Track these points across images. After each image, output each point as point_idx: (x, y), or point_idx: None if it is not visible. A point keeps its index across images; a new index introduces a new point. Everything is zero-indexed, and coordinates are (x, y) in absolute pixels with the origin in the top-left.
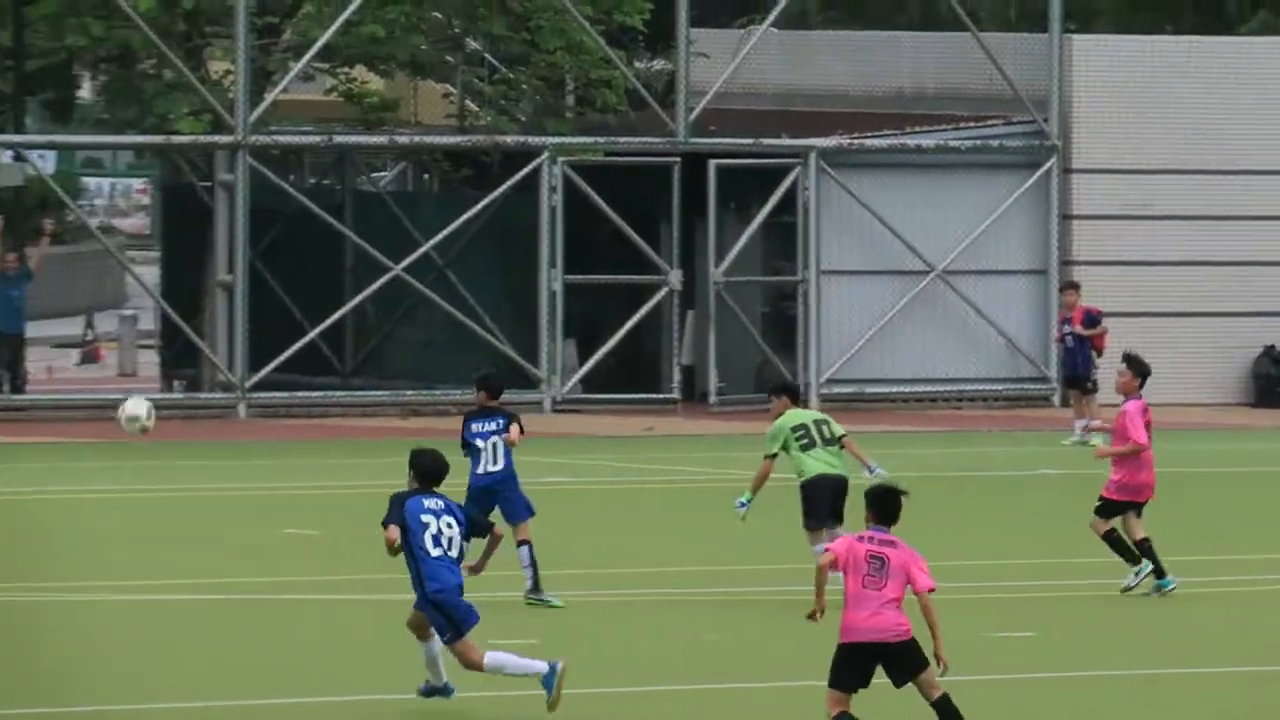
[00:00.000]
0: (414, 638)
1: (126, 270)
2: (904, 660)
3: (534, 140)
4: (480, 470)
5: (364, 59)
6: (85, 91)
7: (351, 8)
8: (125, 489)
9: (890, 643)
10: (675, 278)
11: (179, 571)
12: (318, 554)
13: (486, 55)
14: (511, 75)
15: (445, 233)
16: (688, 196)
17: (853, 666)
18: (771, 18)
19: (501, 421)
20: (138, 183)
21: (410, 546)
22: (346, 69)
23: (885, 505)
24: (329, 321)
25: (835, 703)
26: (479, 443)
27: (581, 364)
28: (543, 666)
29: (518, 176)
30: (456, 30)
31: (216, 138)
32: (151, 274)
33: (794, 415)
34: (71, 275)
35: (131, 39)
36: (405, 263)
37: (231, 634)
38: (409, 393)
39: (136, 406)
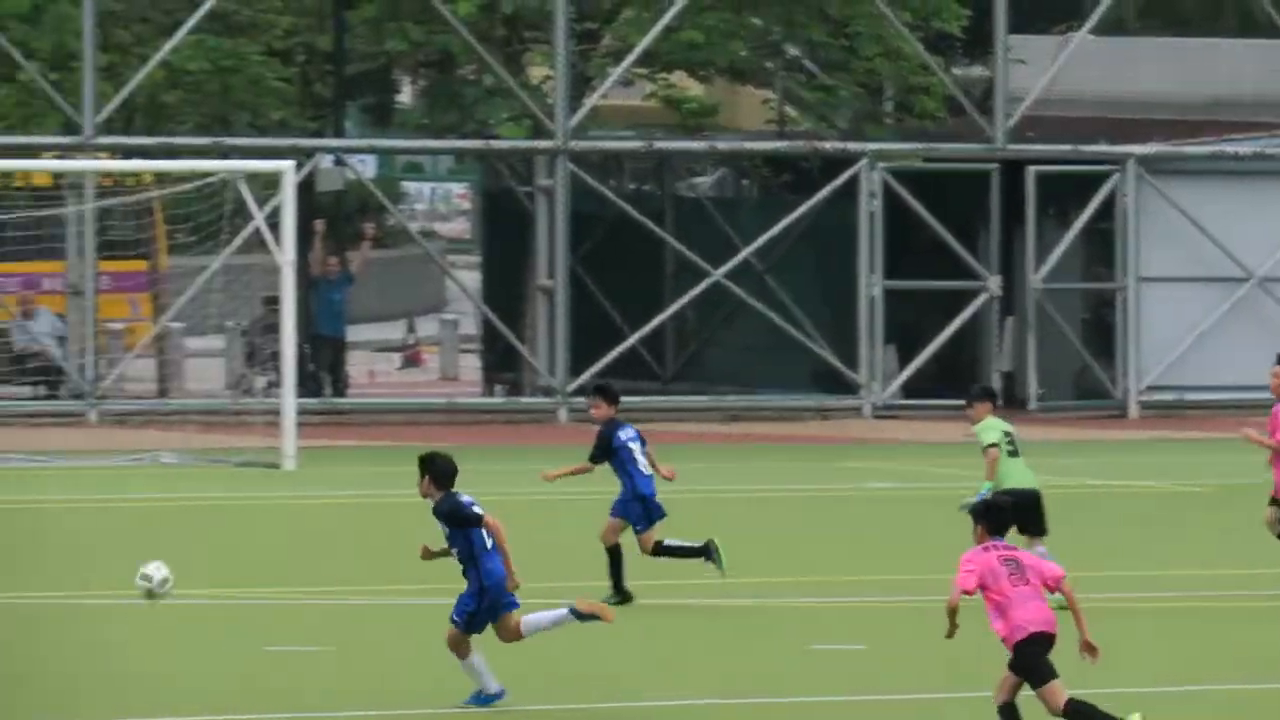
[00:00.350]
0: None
1: (447, 274)
2: (1050, 654)
3: (853, 146)
4: (645, 475)
5: (683, 64)
6: (405, 96)
7: (671, 13)
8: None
9: (1053, 634)
10: (995, 283)
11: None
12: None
13: (805, 61)
14: (830, 81)
15: (765, 238)
16: (1006, 202)
17: (1035, 655)
18: (1090, 24)
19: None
20: (458, 187)
21: (476, 544)
22: (666, 74)
23: (998, 518)
24: (649, 327)
25: (1009, 690)
26: (634, 447)
27: (901, 369)
28: (564, 613)
29: (837, 182)
30: (775, 36)
31: (536, 143)
32: (472, 278)
33: (997, 421)
34: (392, 279)
35: (451, 44)
36: (725, 268)
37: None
38: (729, 398)
39: (156, 571)
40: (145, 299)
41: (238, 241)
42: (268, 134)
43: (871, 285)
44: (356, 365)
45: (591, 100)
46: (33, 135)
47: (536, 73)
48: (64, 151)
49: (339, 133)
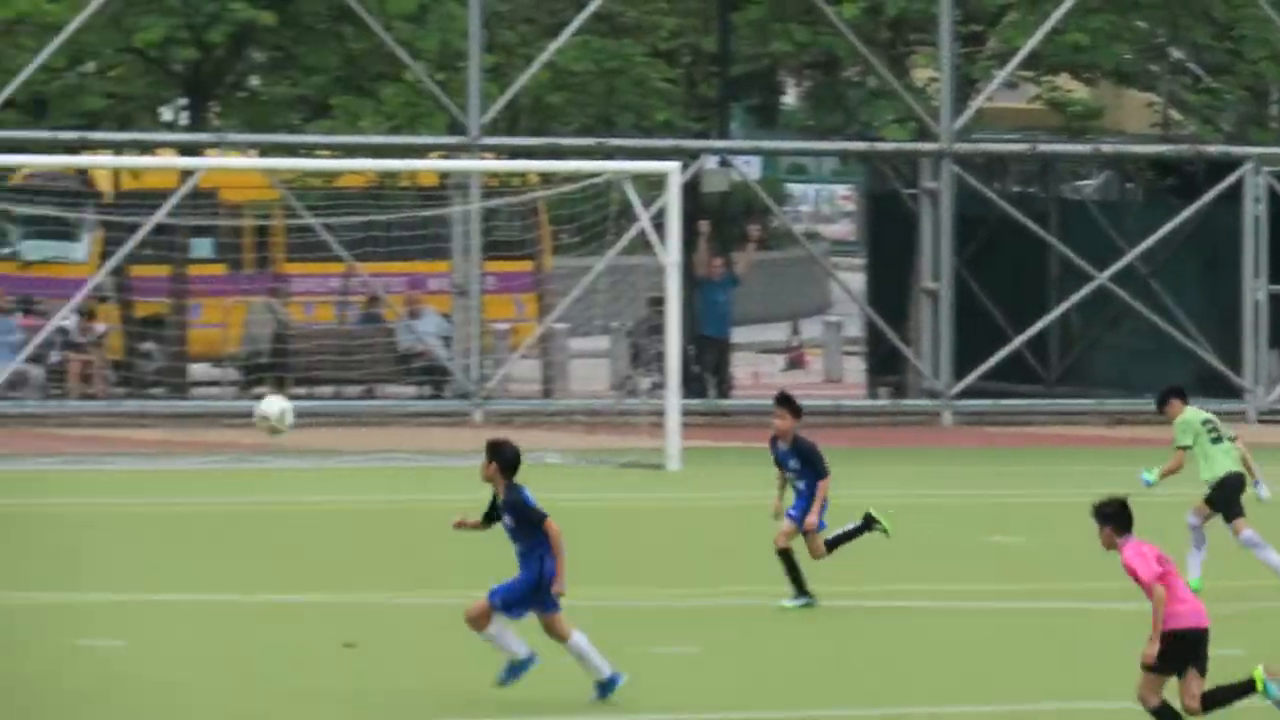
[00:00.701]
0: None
1: (831, 277)
2: (1205, 649)
3: (1237, 150)
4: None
5: (1068, 67)
6: (790, 97)
7: (1056, 16)
8: (832, 494)
9: (1208, 629)
10: None
11: (888, 574)
12: (1022, 562)
13: (1190, 64)
14: (1215, 84)
15: (1149, 242)
16: None
17: (1180, 653)
18: None
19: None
20: (842, 189)
21: (537, 537)
22: (1050, 76)
23: (1126, 519)
24: (1034, 329)
25: (1155, 691)
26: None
27: None
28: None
29: (1221, 186)
30: (1160, 39)
31: (921, 145)
32: (856, 280)
33: (1195, 413)
34: (776, 281)
35: (836, 45)
36: (1110, 271)
37: (943, 641)
38: (1113, 401)
39: (269, 406)
40: (530, 299)
41: (623, 242)
42: (652, 135)
43: (1256, 289)
44: (740, 366)
45: (976, 103)
46: (419, 135)
47: (921, 75)
48: (450, 151)
49: (724, 134)
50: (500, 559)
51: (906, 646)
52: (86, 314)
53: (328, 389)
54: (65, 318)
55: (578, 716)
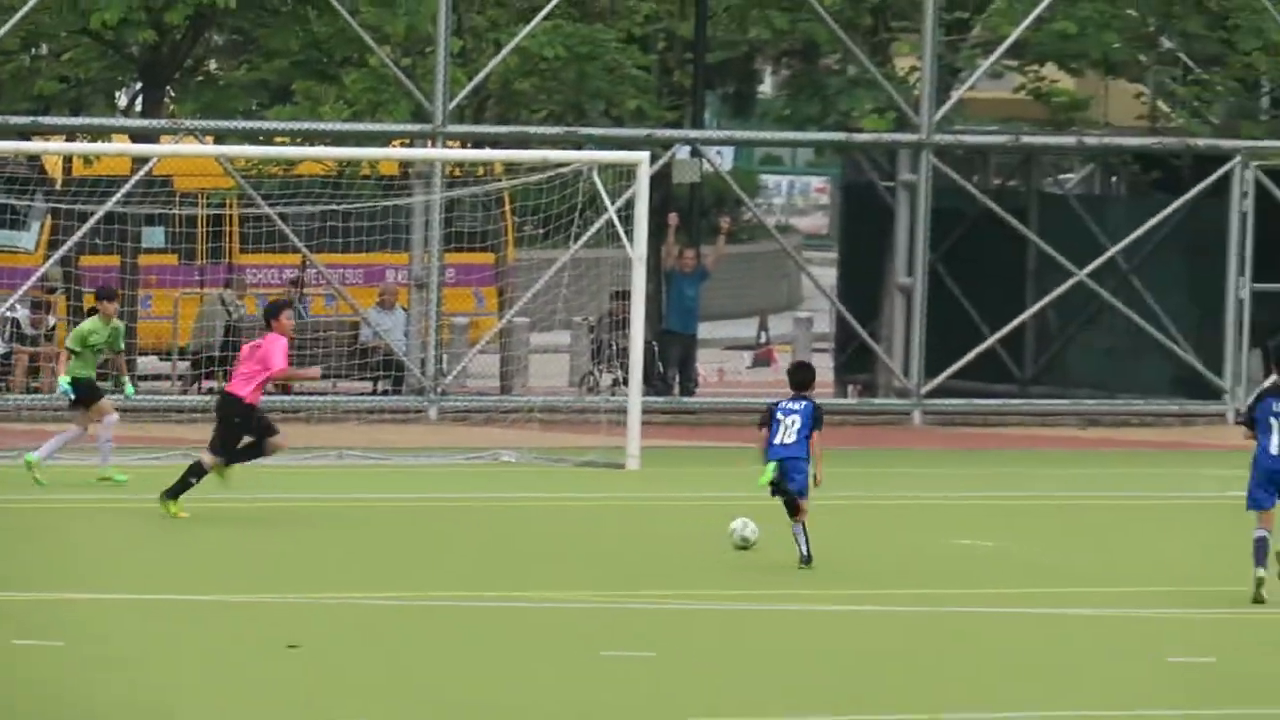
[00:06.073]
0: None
1: (803, 271)
2: None
3: (1226, 144)
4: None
5: (1054, 56)
6: (766, 86)
7: (1043, 4)
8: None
9: None
10: None
11: (855, 579)
12: (990, 566)
13: (1181, 55)
14: (1206, 76)
15: (1132, 238)
16: None
17: None
18: None
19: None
20: (817, 181)
21: None
22: (1036, 66)
23: None
24: (1009, 327)
25: None
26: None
27: (1266, 375)
28: None
29: (1208, 181)
30: (1151, 28)
31: (900, 136)
32: (828, 275)
33: None
34: (747, 275)
35: (816, 33)
36: (1089, 268)
37: (904, 647)
38: (1089, 401)
39: (744, 528)
40: (490, 293)
41: (589, 235)
42: (623, 123)
43: (1240, 288)
44: (706, 363)
45: (959, 93)
46: (382, 122)
47: (903, 63)
48: (413, 139)
49: (697, 123)
50: (448, 558)
51: (867, 651)
52: (40, 305)
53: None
54: (12, 309)
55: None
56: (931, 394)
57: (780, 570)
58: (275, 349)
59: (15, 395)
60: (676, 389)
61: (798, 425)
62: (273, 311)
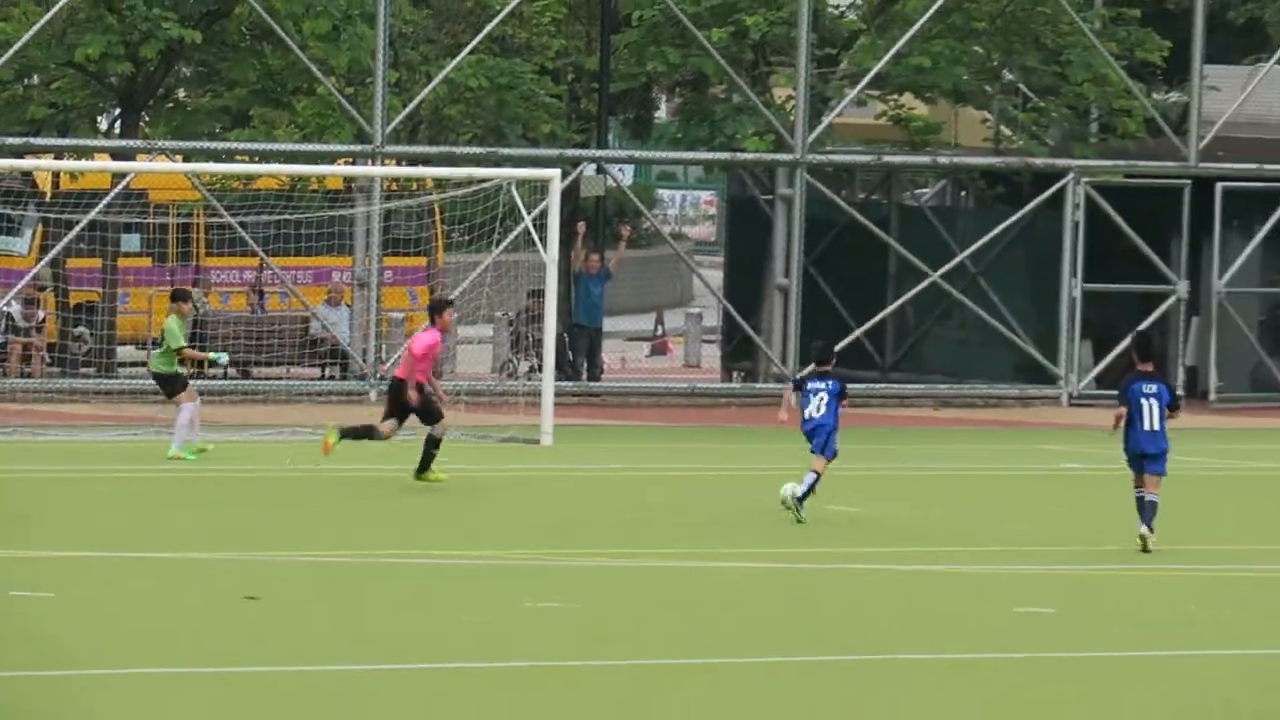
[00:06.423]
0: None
1: (694, 273)
2: None
3: (1060, 162)
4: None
5: (911, 87)
6: (662, 112)
7: (902, 41)
8: (687, 467)
9: None
10: (1183, 288)
11: (735, 541)
12: (859, 528)
13: (1020, 85)
14: (1042, 104)
15: (979, 244)
16: (1196, 215)
17: None
18: (1277, 56)
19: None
20: (705, 194)
21: None
22: (896, 96)
23: None
24: (873, 321)
25: None
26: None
27: (1096, 363)
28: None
29: (1045, 195)
30: (995, 62)
31: (778, 156)
32: (716, 277)
33: None
34: (645, 276)
35: (705, 66)
36: (942, 270)
37: (786, 598)
38: (942, 386)
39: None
40: (423, 291)
41: (508, 241)
42: (538, 144)
43: (1072, 287)
44: (610, 353)
45: (829, 118)
46: (328, 143)
47: (780, 93)
48: (355, 158)
49: (601, 144)
50: (389, 521)
51: (751, 602)
52: (32, 301)
53: (240, 369)
54: (8, 304)
55: (469, 663)
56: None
57: (677, 530)
58: (417, 340)
59: (11, 380)
60: (584, 375)
61: (826, 400)
62: (436, 308)
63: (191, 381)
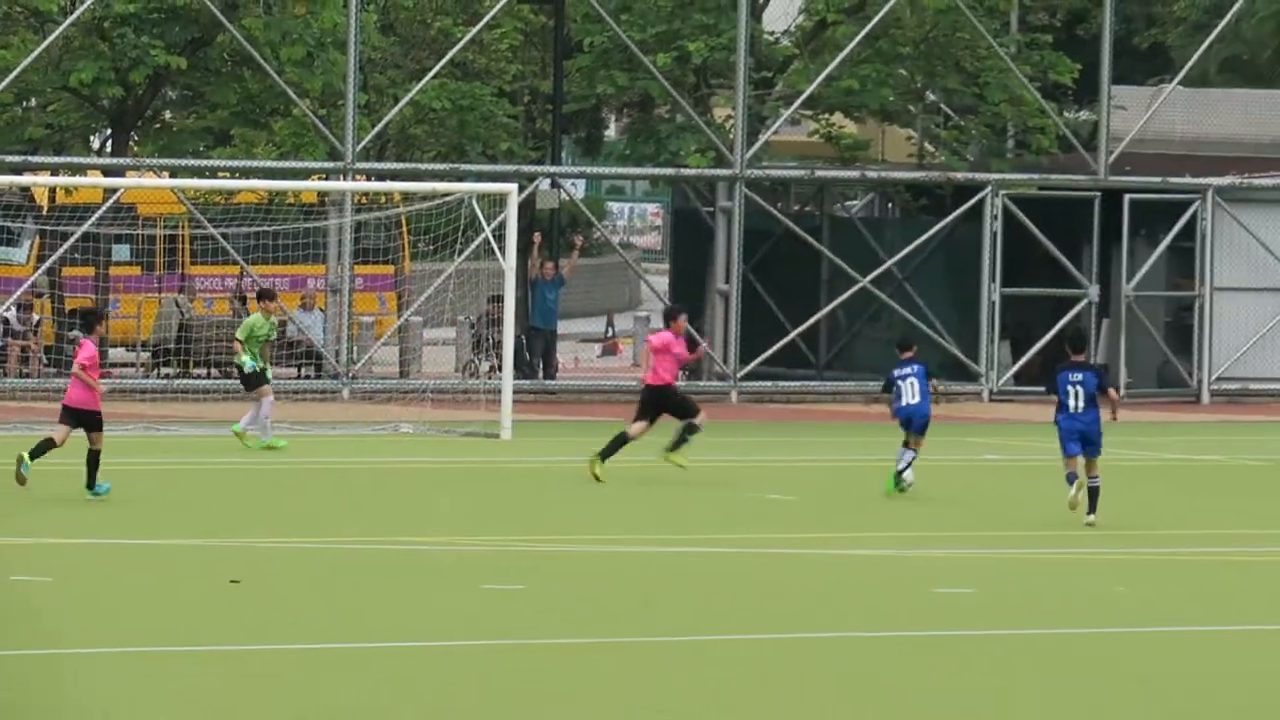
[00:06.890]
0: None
1: (641, 279)
2: None
3: (980, 176)
4: (902, 403)
5: (842, 107)
6: (611, 131)
7: (832, 65)
8: (636, 460)
9: None
10: (1094, 292)
11: (683, 527)
12: (794, 515)
13: (942, 105)
14: (963, 122)
15: (904, 252)
16: (1105, 225)
17: None
18: (1179, 78)
19: (919, 367)
20: (652, 207)
21: None
22: (827, 115)
23: None
24: (807, 324)
25: None
26: (899, 382)
27: (1014, 362)
28: None
29: (965, 206)
30: (918, 84)
31: (718, 171)
32: (662, 283)
33: None
34: (596, 282)
35: (650, 88)
36: (871, 276)
37: (726, 581)
38: (871, 383)
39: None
40: (391, 297)
41: (469, 250)
42: (497, 161)
43: (991, 292)
44: (564, 353)
45: (765, 136)
46: (303, 161)
47: (720, 113)
48: (328, 174)
49: (555, 161)
50: (360, 510)
51: (695, 586)
52: (27, 307)
53: (223, 370)
54: (7, 309)
55: (435, 641)
56: (745, 378)
57: (628, 517)
58: (659, 340)
59: (10, 379)
60: (541, 374)
61: (917, 385)
62: (671, 315)
63: (180, 381)
